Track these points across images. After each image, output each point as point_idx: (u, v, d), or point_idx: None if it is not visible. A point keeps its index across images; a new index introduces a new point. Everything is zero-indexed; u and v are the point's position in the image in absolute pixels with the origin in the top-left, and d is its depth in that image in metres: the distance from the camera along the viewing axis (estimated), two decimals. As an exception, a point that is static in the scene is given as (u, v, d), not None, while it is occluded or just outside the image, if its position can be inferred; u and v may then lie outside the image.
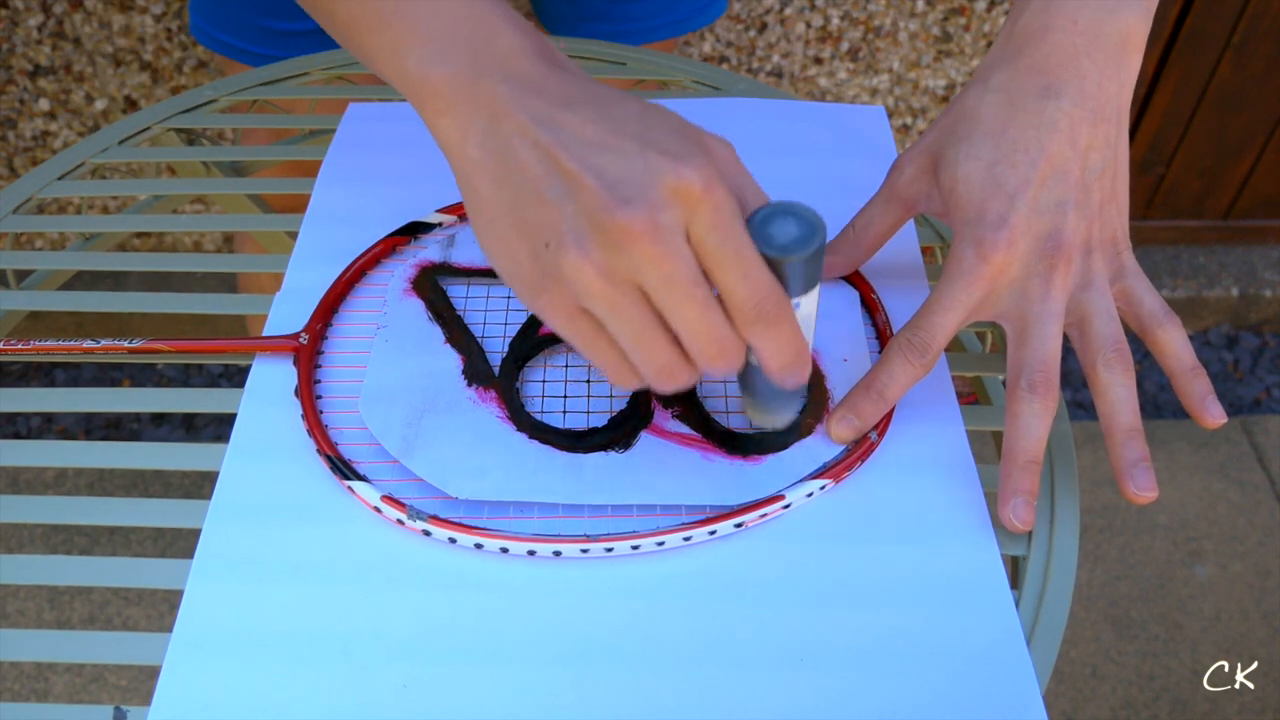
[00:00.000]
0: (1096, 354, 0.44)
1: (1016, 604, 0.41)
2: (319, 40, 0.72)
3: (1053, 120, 0.44)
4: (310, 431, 0.45)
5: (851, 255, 0.51)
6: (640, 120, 0.36)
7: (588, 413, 0.46)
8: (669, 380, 0.38)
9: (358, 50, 0.41)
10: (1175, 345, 0.45)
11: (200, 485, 1.30)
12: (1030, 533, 0.44)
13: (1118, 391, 0.44)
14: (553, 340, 0.49)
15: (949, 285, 0.44)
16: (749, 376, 0.41)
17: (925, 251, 0.55)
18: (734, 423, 0.46)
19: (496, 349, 0.49)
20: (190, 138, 0.66)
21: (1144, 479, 0.42)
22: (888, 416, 0.46)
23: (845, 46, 1.31)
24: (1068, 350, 1.52)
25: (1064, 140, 0.43)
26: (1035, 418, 0.43)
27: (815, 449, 0.45)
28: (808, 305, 0.39)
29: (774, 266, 0.37)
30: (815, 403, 0.47)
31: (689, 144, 0.36)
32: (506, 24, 0.38)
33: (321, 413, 0.46)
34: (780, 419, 0.44)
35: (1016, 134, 0.44)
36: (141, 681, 1.17)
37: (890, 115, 1.40)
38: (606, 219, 0.34)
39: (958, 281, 0.44)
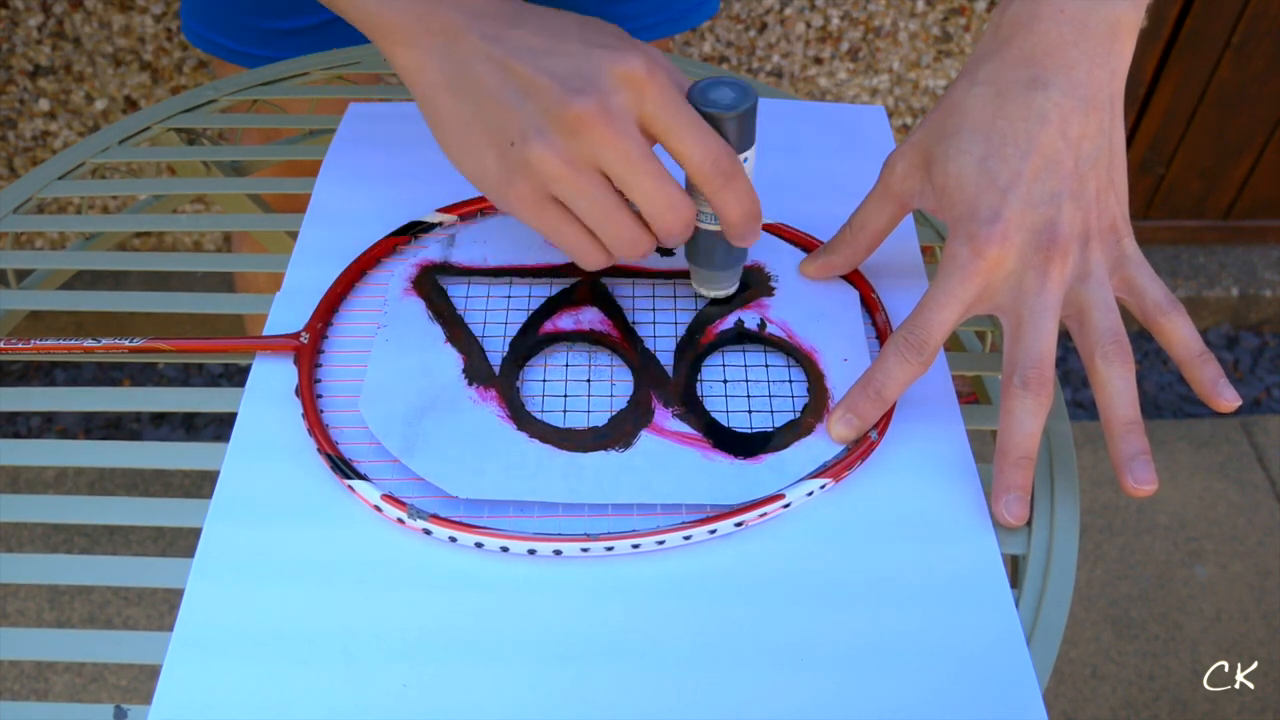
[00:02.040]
0: (1095, 346, 0.44)
1: (1016, 604, 0.41)
2: (312, 38, 0.72)
3: (1042, 111, 0.43)
4: (311, 431, 0.45)
5: (850, 254, 0.50)
6: (580, 27, 0.42)
7: (588, 412, 0.46)
8: (633, 250, 0.43)
9: None
10: (1181, 333, 0.45)
11: (200, 485, 1.30)
12: (1030, 532, 0.44)
13: (1116, 384, 0.43)
14: (553, 340, 0.49)
15: (944, 282, 0.44)
16: (699, 242, 0.47)
17: (925, 250, 0.55)
18: (734, 422, 0.46)
19: (497, 348, 0.49)
20: (190, 138, 0.66)
21: (1143, 472, 0.42)
22: (888, 415, 0.46)
23: (845, 46, 1.31)
24: (1069, 350, 1.52)
25: (1055, 131, 0.43)
26: (1029, 414, 0.43)
27: (815, 448, 0.45)
28: (749, 164, 0.45)
29: (717, 125, 0.42)
30: (815, 402, 0.47)
31: (627, 40, 0.41)
32: None
33: (322, 412, 0.46)
34: (727, 285, 0.49)
35: (1006, 126, 0.44)
36: (141, 681, 1.17)
37: (890, 115, 1.40)
38: (562, 110, 0.39)
39: (953, 277, 0.44)
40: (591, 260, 0.44)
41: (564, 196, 0.41)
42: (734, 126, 0.43)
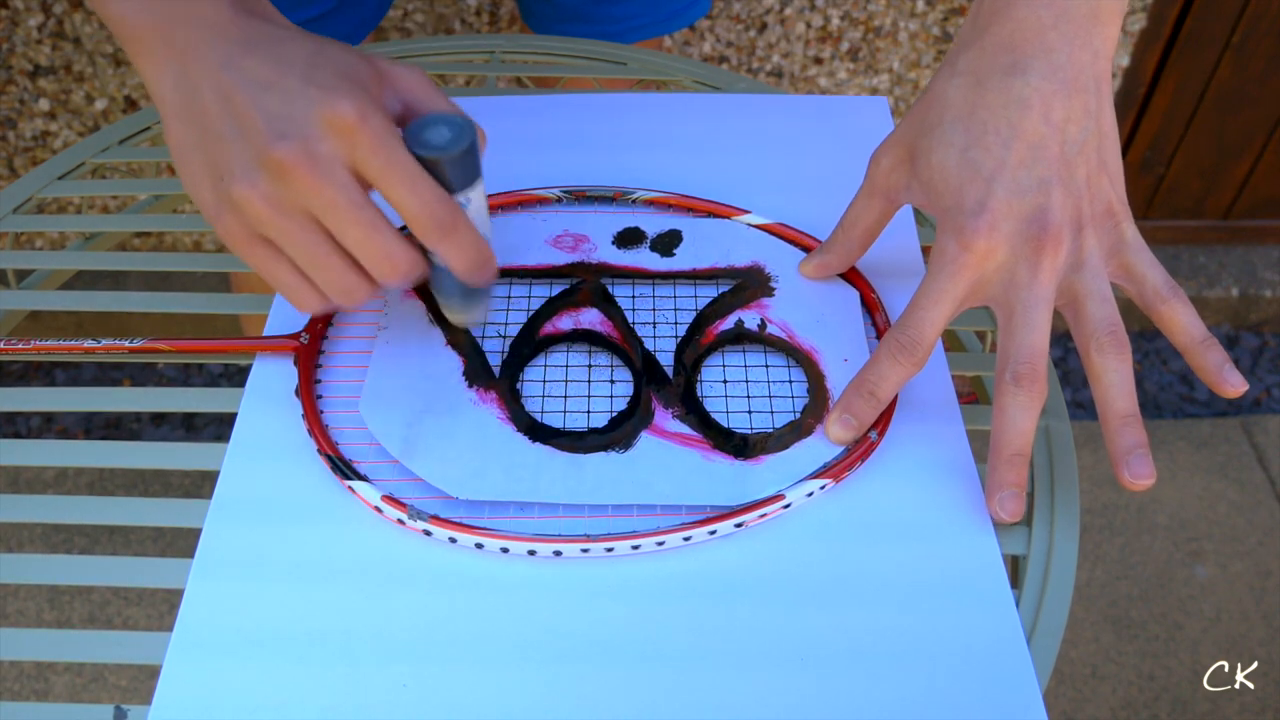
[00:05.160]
0: (1090, 338, 0.43)
1: (1016, 604, 0.41)
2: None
3: (1023, 97, 0.42)
4: (311, 431, 0.45)
5: (843, 253, 0.50)
6: (309, 60, 0.40)
7: (588, 413, 0.46)
8: (350, 298, 0.41)
9: None
10: (1182, 320, 0.44)
11: (200, 485, 1.30)
12: (1030, 532, 0.44)
13: (1112, 377, 0.42)
14: (553, 341, 0.49)
15: (934, 278, 0.43)
16: (439, 279, 0.44)
17: (925, 250, 0.55)
18: (734, 423, 0.46)
19: (496, 349, 0.49)
20: (190, 138, 0.66)
21: (1140, 465, 0.41)
22: (888, 416, 0.46)
23: (845, 46, 1.31)
24: (1070, 350, 1.52)
25: (1038, 117, 0.42)
26: (1021, 410, 0.42)
27: (815, 449, 0.45)
28: (476, 200, 0.43)
29: (433, 168, 0.40)
30: (815, 403, 0.47)
31: (347, 80, 0.39)
32: None
33: (322, 412, 0.46)
34: (475, 314, 0.46)
35: (986, 115, 0.43)
36: (141, 681, 1.17)
37: (891, 114, 1.39)
38: (266, 153, 0.38)
39: (942, 273, 0.43)
40: (304, 303, 0.42)
41: (272, 238, 0.40)
42: (450, 169, 0.41)
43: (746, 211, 0.55)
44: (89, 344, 0.49)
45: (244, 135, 0.39)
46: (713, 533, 0.42)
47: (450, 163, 0.41)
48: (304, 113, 0.38)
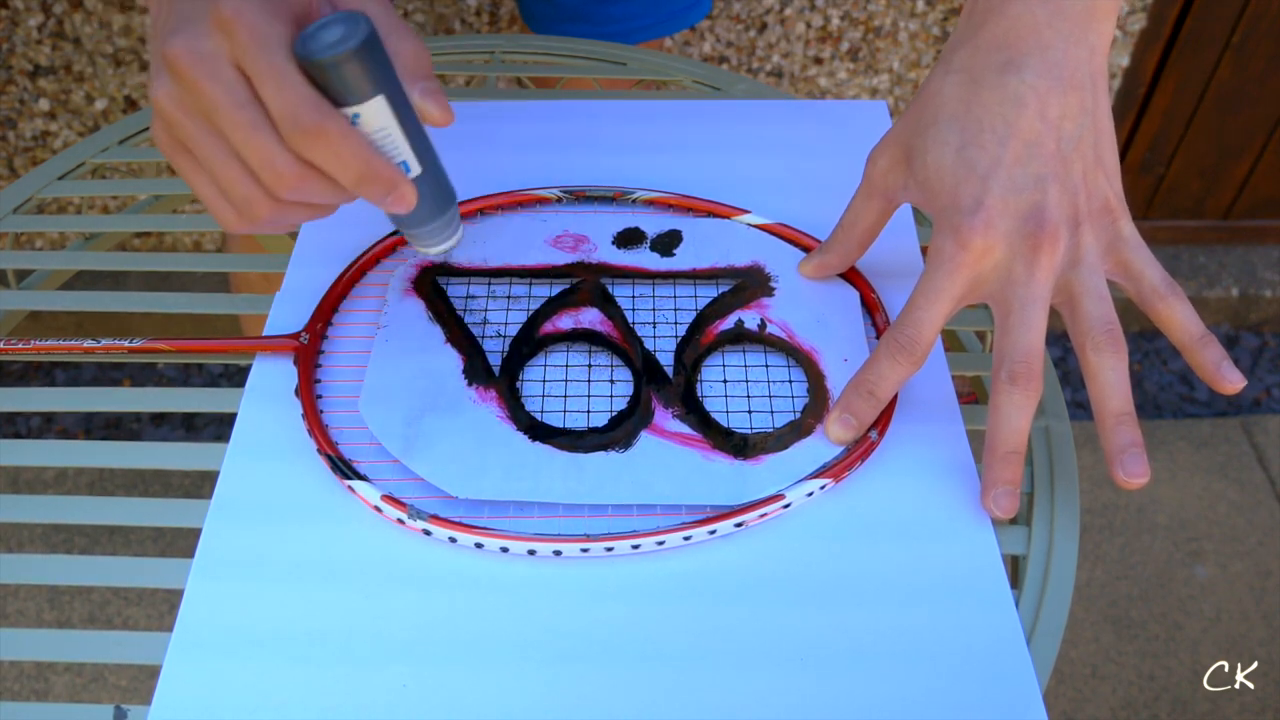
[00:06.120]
0: (1086, 336, 0.43)
1: (1016, 604, 0.41)
2: None
3: (1018, 94, 0.42)
4: (311, 431, 0.45)
5: (843, 253, 0.50)
6: None
7: (588, 412, 0.46)
8: (250, 210, 0.39)
9: None
10: (1179, 317, 0.44)
11: (200, 485, 1.30)
12: (1030, 532, 0.44)
13: (1108, 375, 0.42)
14: (553, 340, 0.49)
15: (931, 277, 0.43)
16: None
17: (925, 250, 0.55)
18: (734, 423, 0.46)
19: (496, 349, 0.49)
20: (190, 138, 0.66)
21: (1134, 464, 0.41)
22: (888, 415, 0.46)
23: (845, 46, 1.31)
24: (1069, 350, 1.52)
25: (1033, 114, 0.42)
26: (1016, 409, 0.42)
27: (815, 448, 0.45)
28: (374, 116, 0.38)
29: (319, 71, 0.36)
30: (815, 403, 0.47)
31: None
32: None
33: (322, 412, 0.46)
34: (434, 242, 0.43)
35: (982, 113, 0.43)
36: (141, 681, 1.17)
37: (890, 115, 1.39)
38: (160, 51, 0.37)
39: (939, 271, 0.43)
40: (220, 217, 0.40)
41: (183, 141, 0.38)
42: (337, 73, 0.36)
43: (746, 211, 0.55)
44: (89, 344, 0.49)
45: (154, 38, 0.38)
46: (713, 533, 0.42)
47: (331, 67, 0.36)
48: (198, 9, 0.37)
